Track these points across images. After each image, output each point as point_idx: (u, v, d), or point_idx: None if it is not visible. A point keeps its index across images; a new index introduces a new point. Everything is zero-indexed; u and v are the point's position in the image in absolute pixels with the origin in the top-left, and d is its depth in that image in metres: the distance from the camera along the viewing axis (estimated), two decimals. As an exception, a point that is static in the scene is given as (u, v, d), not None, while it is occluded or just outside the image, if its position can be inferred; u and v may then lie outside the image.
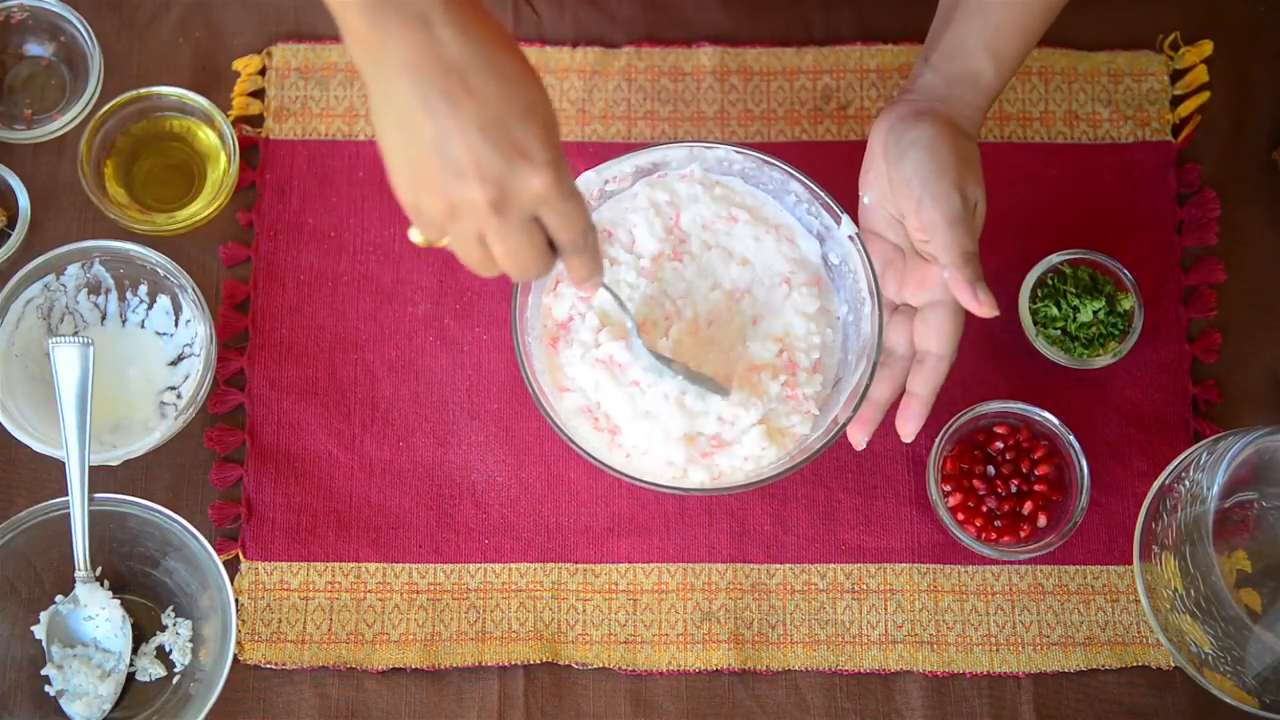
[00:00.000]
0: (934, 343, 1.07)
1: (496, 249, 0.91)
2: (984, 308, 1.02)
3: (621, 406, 1.09)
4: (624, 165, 1.12)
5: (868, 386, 1.07)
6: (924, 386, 1.08)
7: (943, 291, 1.06)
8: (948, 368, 1.08)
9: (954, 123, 1.05)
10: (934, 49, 1.07)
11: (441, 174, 0.88)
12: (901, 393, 1.09)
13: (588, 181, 1.11)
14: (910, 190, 1.03)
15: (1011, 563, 1.16)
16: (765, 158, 1.12)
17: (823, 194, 1.11)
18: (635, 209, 1.13)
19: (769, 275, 1.13)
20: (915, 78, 1.07)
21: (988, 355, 1.19)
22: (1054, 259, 1.18)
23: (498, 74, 0.87)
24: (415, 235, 0.95)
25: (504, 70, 0.88)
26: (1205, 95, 1.24)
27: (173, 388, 1.17)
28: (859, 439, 1.10)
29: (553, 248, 0.93)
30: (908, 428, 1.09)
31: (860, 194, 1.10)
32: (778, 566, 1.17)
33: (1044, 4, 1.05)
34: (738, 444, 1.09)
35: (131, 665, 1.12)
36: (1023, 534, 1.14)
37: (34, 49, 1.25)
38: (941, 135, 1.03)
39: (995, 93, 1.07)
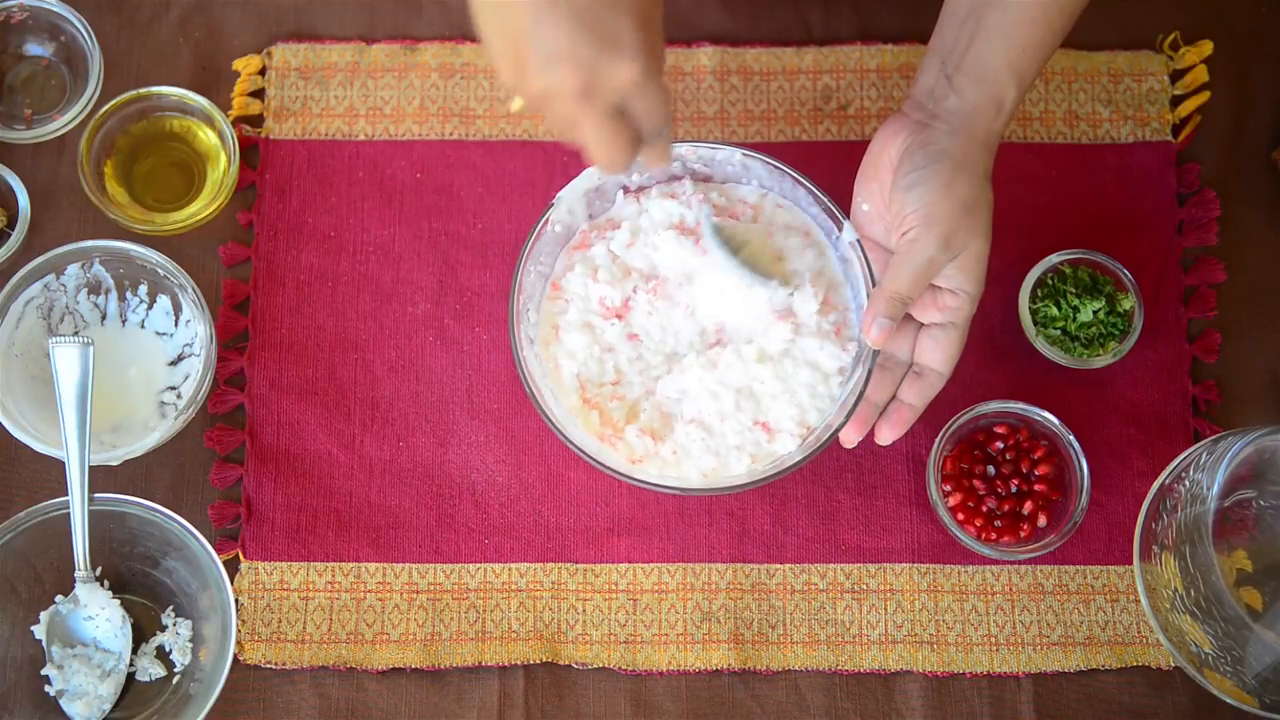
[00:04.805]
0: (938, 361, 1.09)
1: (585, 136, 0.94)
2: (866, 332, 1.07)
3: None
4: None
5: (863, 390, 1.08)
6: (918, 399, 1.10)
7: (954, 315, 1.07)
8: (943, 384, 1.10)
9: (972, 162, 1.04)
10: (956, 69, 1.05)
11: (535, 59, 0.90)
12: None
13: (589, 177, 1.11)
14: (905, 223, 1.05)
15: (1011, 563, 1.16)
16: (771, 161, 1.12)
17: (826, 200, 1.11)
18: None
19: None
20: (940, 99, 1.05)
21: (988, 355, 1.19)
22: (1054, 259, 1.18)
23: None
24: (516, 104, 0.99)
25: None
26: (1205, 95, 1.24)
27: (173, 388, 1.17)
28: (852, 438, 1.10)
29: (635, 140, 0.95)
30: (890, 433, 1.10)
31: (856, 197, 1.10)
32: (778, 566, 1.17)
33: (1063, 24, 1.05)
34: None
35: (131, 665, 1.12)
36: (1023, 534, 1.14)
37: (34, 49, 1.25)
38: (953, 183, 1.04)
39: (1014, 113, 1.07)
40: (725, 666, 1.15)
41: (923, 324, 1.10)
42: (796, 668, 1.15)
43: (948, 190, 1.04)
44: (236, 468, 1.18)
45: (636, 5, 0.90)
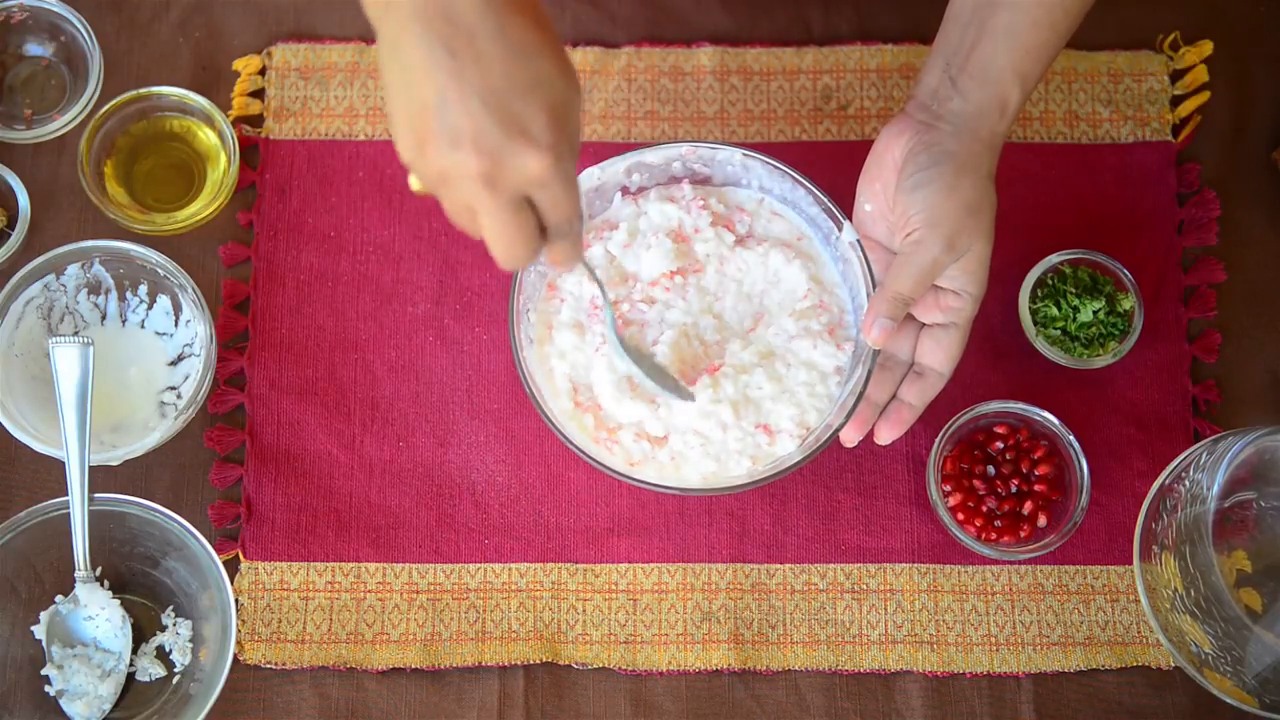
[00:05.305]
0: (939, 361, 1.09)
1: (484, 225, 0.88)
2: (867, 332, 1.07)
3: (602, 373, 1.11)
4: (623, 163, 1.12)
5: (863, 390, 1.08)
6: (918, 399, 1.10)
7: (956, 315, 1.07)
8: (944, 385, 1.10)
9: (976, 163, 1.05)
10: (961, 70, 1.05)
11: (438, 138, 0.85)
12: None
13: (589, 177, 1.12)
14: (910, 224, 1.05)
15: (1011, 563, 1.16)
16: (771, 161, 1.12)
17: (826, 200, 1.11)
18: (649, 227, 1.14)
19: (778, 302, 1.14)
20: (944, 100, 1.05)
21: (988, 355, 1.19)
22: (1054, 259, 1.18)
23: (507, 42, 0.84)
24: (415, 183, 0.92)
25: (515, 39, 0.84)
26: (1205, 95, 1.24)
27: (173, 388, 1.17)
28: (853, 437, 1.10)
29: (541, 233, 0.90)
30: (889, 433, 1.10)
31: (859, 198, 1.10)
32: (778, 566, 1.17)
33: (1068, 26, 1.05)
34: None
35: (131, 665, 1.12)
36: (1023, 534, 1.14)
37: (34, 49, 1.25)
38: (957, 184, 1.04)
39: (1017, 115, 1.07)
40: (725, 666, 1.15)
41: (924, 324, 1.10)
42: (796, 668, 1.15)
43: (951, 191, 1.04)
44: (236, 468, 1.18)
45: (552, 94, 0.85)
